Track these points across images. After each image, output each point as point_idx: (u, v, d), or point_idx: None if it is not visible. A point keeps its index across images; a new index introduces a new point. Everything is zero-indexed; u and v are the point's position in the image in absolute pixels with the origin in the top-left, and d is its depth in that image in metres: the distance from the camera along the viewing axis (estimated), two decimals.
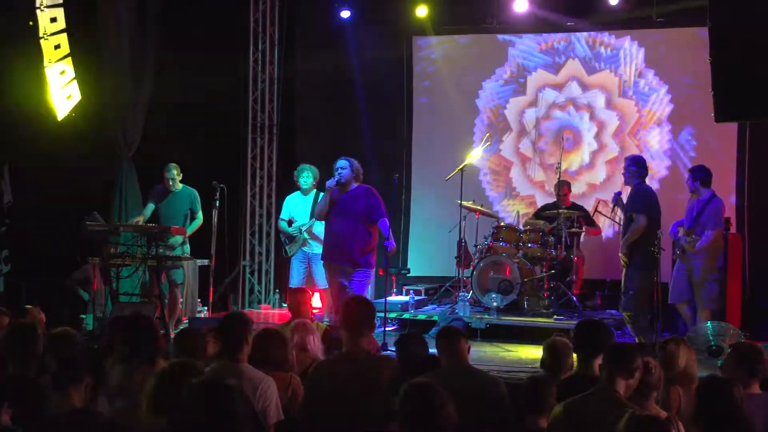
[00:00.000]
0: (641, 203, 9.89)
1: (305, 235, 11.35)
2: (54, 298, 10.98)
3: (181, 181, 11.21)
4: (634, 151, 13.21)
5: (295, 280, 11.43)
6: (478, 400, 5.50)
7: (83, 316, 10.84)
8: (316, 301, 11.47)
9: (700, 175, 10.45)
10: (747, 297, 11.64)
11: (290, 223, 11.49)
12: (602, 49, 13.83)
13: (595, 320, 7.16)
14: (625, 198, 10.30)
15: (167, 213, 11.14)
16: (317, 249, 11.07)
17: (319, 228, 10.91)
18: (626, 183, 10.17)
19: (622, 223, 10.25)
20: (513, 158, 14.28)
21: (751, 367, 5.73)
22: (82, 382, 4.96)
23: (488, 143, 13.40)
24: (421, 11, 13.81)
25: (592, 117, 13.85)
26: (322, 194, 10.78)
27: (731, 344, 6.41)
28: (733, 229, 11.58)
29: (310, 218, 11.25)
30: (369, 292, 10.44)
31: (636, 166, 10.09)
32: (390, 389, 5.24)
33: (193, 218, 11.25)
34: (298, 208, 11.50)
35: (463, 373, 5.70)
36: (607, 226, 13.41)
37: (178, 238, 10.89)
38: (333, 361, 5.67)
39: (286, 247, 11.57)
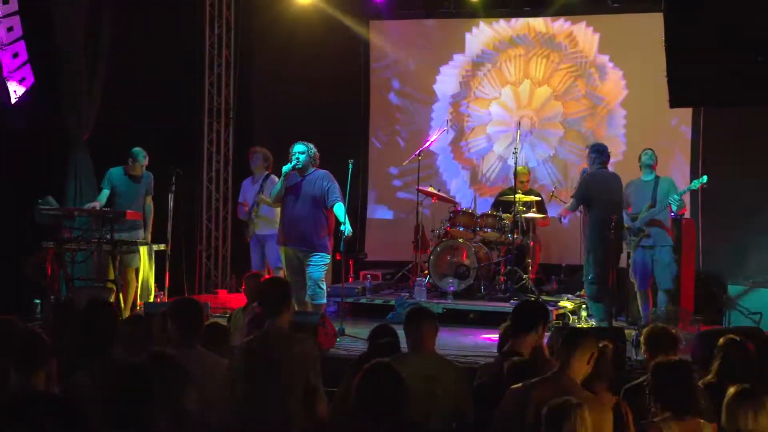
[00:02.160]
0: (578, 189, 10.10)
1: (253, 217, 11.41)
2: (5, 282, 10.89)
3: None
4: (590, 136, 13.37)
5: (253, 263, 11.53)
6: (437, 386, 5.55)
7: (37, 301, 10.76)
8: None
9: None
10: (700, 282, 11.77)
11: (245, 206, 11.56)
12: (558, 35, 13.90)
13: (529, 300, 7.32)
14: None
15: (126, 197, 11.04)
16: (266, 230, 11.33)
17: (265, 209, 11.22)
18: (590, 170, 10.26)
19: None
20: (470, 144, 14.32)
21: (664, 351, 5.82)
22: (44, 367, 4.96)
23: (446, 129, 13.47)
24: None
25: (547, 103, 13.92)
26: (269, 177, 10.99)
27: (644, 327, 6.51)
28: (687, 214, 11.70)
29: (253, 201, 11.35)
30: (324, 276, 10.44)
31: (596, 153, 10.21)
32: (307, 365, 5.42)
33: (145, 204, 11.17)
34: (249, 191, 11.59)
35: (425, 358, 5.71)
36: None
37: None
38: (248, 341, 5.71)
39: (245, 231, 11.69)
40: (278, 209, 10.76)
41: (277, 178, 10.81)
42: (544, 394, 4.97)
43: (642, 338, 6.12)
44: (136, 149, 11.01)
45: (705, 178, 10.57)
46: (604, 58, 13.67)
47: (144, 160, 11.03)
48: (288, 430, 5.36)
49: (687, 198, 12.00)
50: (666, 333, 6.09)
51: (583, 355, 5.15)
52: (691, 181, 11.72)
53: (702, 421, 4.92)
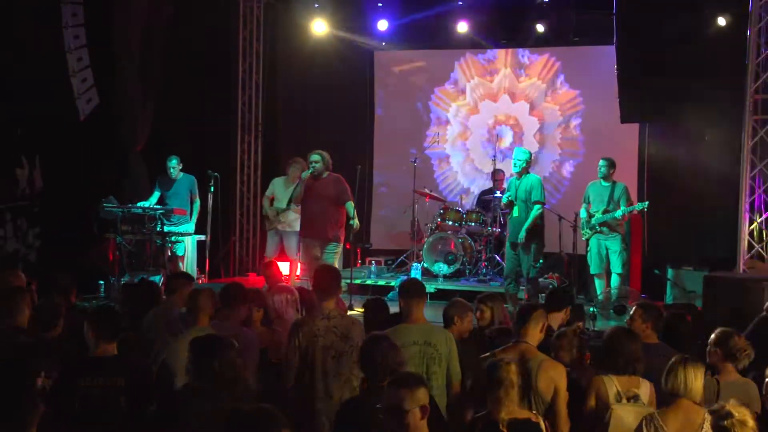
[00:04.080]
0: (544, 194, 10.08)
1: (280, 218, 11.40)
2: (76, 268, 10.95)
3: (181, 170, 11.25)
4: (555, 145, 13.52)
5: (269, 251, 11.50)
6: (432, 349, 5.56)
7: (101, 282, 10.84)
8: (285, 269, 11.52)
9: (614, 163, 10.63)
10: (646, 266, 11.85)
11: (272, 200, 11.55)
12: (528, 63, 14.00)
13: (561, 288, 7.48)
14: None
15: (172, 198, 11.16)
16: (288, 228, 11.30)
17: (291, 213, 11.18)
18: (519, 173, 10.10)
19: (519, 206, 10.10)
20: (458, 152, 14.40)
21: (653, 321, 5.90)
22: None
23: (437, 140, 13.55)
24: (382, 25, 13.85)
25: (521, 118, 14.01)
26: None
27: (636, 303, 6.57)
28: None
29: (288, 204, 11.30)
30: (338, 262, 10.52)
31: (531, 159, 10.28)
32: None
33: (193, 201, 11.29)
34: (281, 191, 11.56)
35: (419, 327, 5.68)
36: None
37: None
38: (309, 318, 5.71)
39: (266, 222, 11.65)
40: (298, 211, 10.86)
41: None
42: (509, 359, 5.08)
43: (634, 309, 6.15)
44: (170, 156, 11.21)
45: (647, 203, 10.58)
46: (566, 84, 13.76)
47: (173, 162, 11.16)
48: (345, 392, 5.40)
49: (635, 194, 12.07)
50: (656, 310, 6.16)
51: (537, 325, 5.29)
52: (638, 193, 11.96)
53: (640, 379, 5.02)
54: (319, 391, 5.42)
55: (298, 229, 11.03)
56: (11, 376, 4.07)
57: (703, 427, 4.42)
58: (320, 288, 5.77)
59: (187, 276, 7.12)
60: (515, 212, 10.08)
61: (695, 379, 4.57)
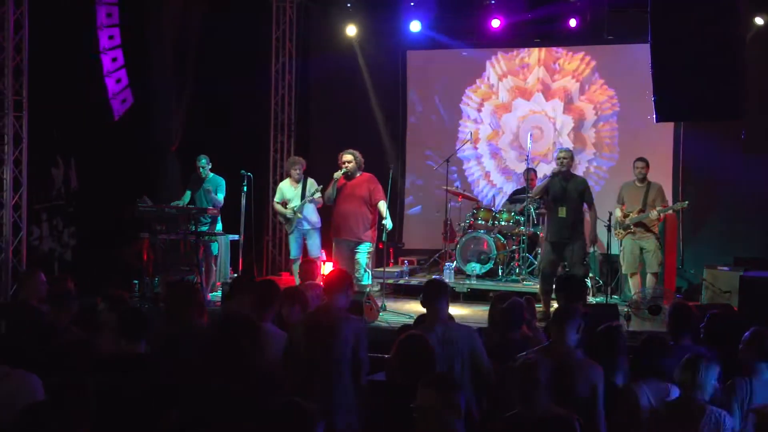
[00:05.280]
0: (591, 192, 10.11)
1: (299, 215, 11.26)
2: (111, 266, 11.10)
3: (211, 170, 11.30)
4: (590, 144, 13.47)
5: (294, 253, 11.33)
6: (454, 347, 5.58)
7: (135, 281, 10.97)
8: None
9: (648, 163, 10.59)
10: (680, 266, 11.79)
11: (284, 204, 11.38)
12: (561, 62, 13.93)
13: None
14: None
15: (201, 197, 11.24)
16: (308, 226, 11.01)
17: (309, 210, 10.98)
18: (566, 170, 10.06)
19: (569, 206, 10.03)
20: (490, 151, 14.38)
21: (684, 322, 5.91)
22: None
23: (469, 140, 13.55)
24: (415, 26, 13.88)
25: (555, 117, 13.95)
26: (309, 180, 10.94)
27: (670, 304, 6.56)
28: (670, 211, 11.70)
29: (302, 199, 11.24)
30: (370, 262, 10.56)
31: (573, 157, 10.30)
32: (352, 340, 5.51)
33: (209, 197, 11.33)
34: (290, 192, 11.45)
35: (443, 326, 5.71)
36: None
37: None
38: (312, 313, 5.90)
39: (285, 226, 11.51)
40: (316, 210, 10.85)
41: (313, 180, 10.86)
42: (548, 359, 5.09)
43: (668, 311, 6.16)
44: (199, 156, 11.24)
45: (686, 202, 10.54)
46: (600, 81, 13.69)
47: (201, 161, 11.15)
48: (335, 389, 5.46)
49: (669, 195, 11.99)
50: (688, 311, 6.13)
51: (572, 326, 5.29)
52: (672, 193, 11.88)
53: (669, 385, 5.02)
54: (315, 386, 5.46)
55: (318, 226, 10.99)
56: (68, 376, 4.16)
57: (699, 423, 4.51)
58: (325, 285, 5.94)
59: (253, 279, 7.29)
60: (562, 213, 9.99)
61: (704, 377, 4.62)
